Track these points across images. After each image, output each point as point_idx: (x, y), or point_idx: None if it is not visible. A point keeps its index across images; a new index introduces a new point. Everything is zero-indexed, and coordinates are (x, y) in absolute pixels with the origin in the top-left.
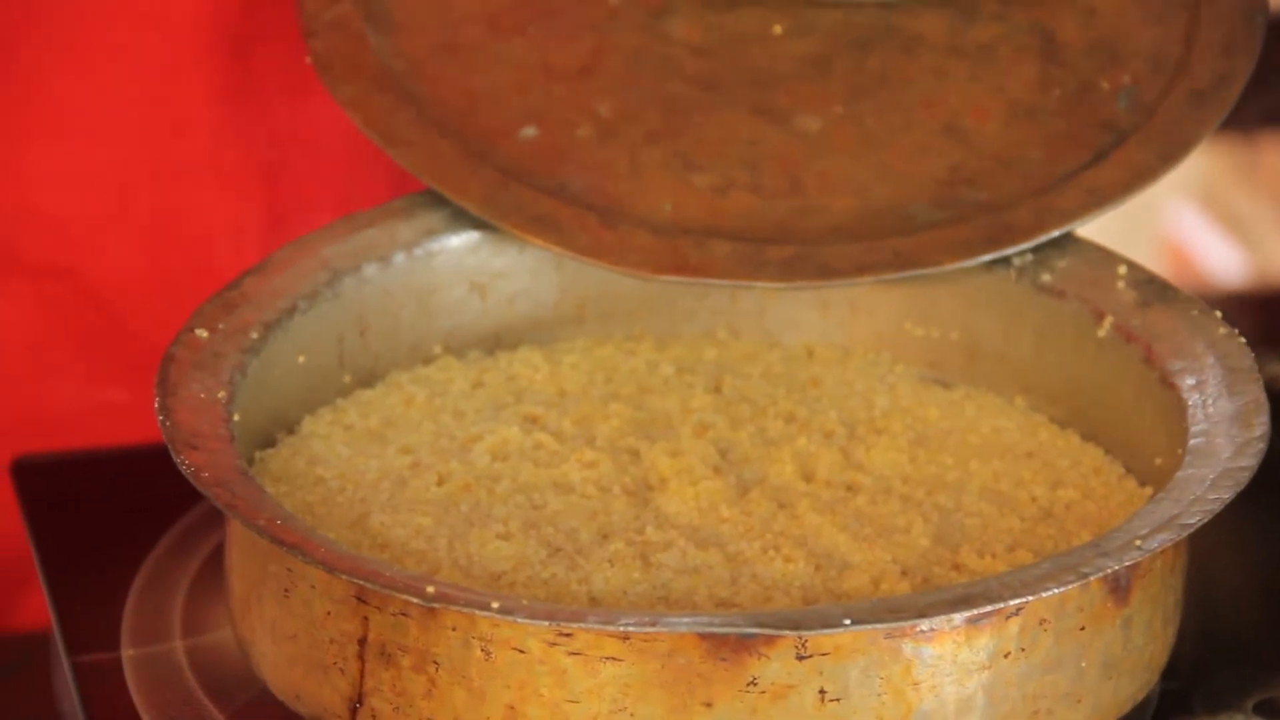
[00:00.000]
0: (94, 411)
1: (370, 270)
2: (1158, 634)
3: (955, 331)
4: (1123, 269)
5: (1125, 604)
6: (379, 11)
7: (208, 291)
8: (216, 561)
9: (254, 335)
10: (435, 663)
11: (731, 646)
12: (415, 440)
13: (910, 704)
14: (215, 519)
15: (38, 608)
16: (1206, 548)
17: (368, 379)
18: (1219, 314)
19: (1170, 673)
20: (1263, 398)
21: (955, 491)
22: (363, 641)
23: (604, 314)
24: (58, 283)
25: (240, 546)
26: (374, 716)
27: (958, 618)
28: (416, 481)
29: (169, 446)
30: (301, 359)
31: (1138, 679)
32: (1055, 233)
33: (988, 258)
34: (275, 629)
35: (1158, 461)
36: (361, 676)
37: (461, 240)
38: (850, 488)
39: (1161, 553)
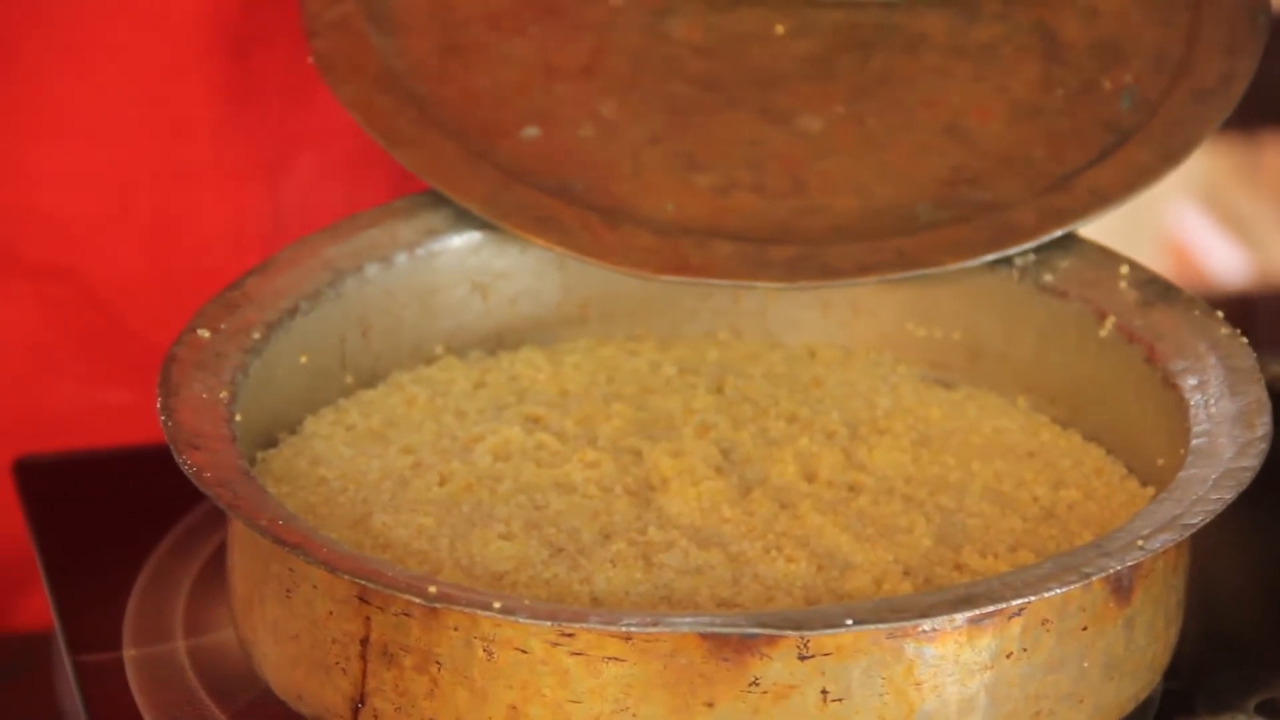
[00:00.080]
0: (95, 412)
1: (372, 270)
2: (1160, 634)
3: (957, 332)
4: (1125, 269)
5: (1127, 604)
6: (381, 11)
7: (209, 292)
8: (218, 562)
9: (256, 335)
10: (437, 663)
11: (733, 647)
12: (417, 440)
13: (912, 704)
14: (217, 519)
15: (39, 608)
16: (1208, 548)
17: (369, 379)
18: (1221, 314)
19: (1172, 673)
20: (1265, 398)
21: (957, 492)
22: (365, 641)
23: (606, 314)
24: (58, 283)
25: (242, 547)
26: (376, 716)
27: (960, 618)
28: (418, 481)
29: (171, 446)
30: (303, 359)
31: (1140, 679)
32: (1057, 233)
33: (990, 258)
34: (277, 629)
35: (1160, 462)
36: (363, 676)
37: (463, 240)
38: (852, 488)
39: (1164, 553)
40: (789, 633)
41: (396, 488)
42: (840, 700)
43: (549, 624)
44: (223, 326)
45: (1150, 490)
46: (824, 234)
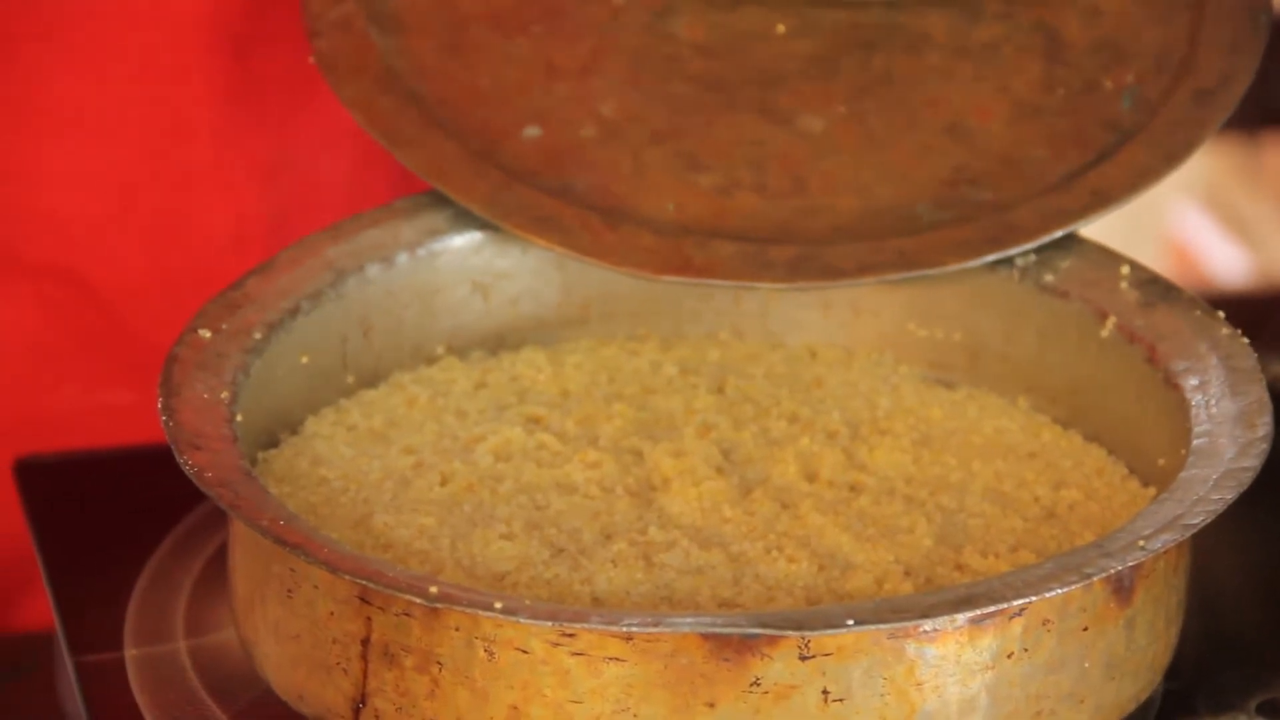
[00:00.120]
0: (96, 412)
1: (373, 270)
2: (1161, 634)
3: (958, 332)
4: (1126, 269)
5: (1128, 604)
6: (383, 11)
7: (210, 292)
8: (219, 562)
9: (257, 335)
10: (438, 663)
11: (734, 647)
12: (418, 440)
13: (913, 704)
14: (218, 519)
15: (41, 608)
16: (1209, 548)
17: (371, 379)
18: (1222, 314)
19: (1173, 673)
20: (1266, 398)
21: (958, 492)
22: (366, 642)
23: (607, 314)
24: (60, 283)
25: (243, 547)
26: (377, 717)
27: (961, 618)
28: (419, 482)
29: (172, 447)
30: (304, 359)
31: (1141, 679)
32: (1059, 233)
33: (991, 258)
34: (278, 629)
35: (1161, 462)
36: (364, 677)
37: (465, 240)
38: (853, 488)
39: (1164, 553)
40: (790, 633)
41: (398, 488)
42: (841, 700)
43: (550, 624)
44: (224, 326)
45: (1151, 490)
46: (825, 234)
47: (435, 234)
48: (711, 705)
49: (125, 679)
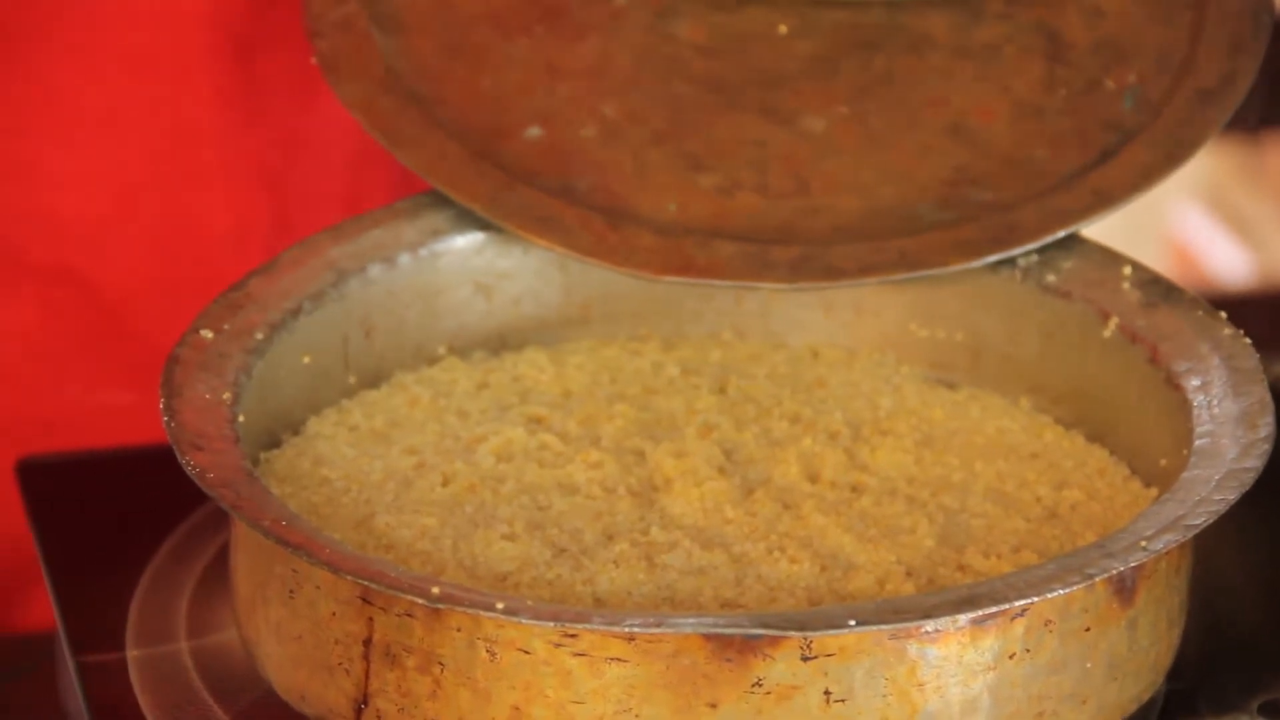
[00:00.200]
0: (98, 412)
1: (375, 271)
2: (1163, 635)
3: (960, 332)
4: (1128, 269)
5: (1130, 605)
6: (384, 12)
7: (212, 293)
8: (221, 562)
9: (259, 336)
10: (440, 663)
11: (736, 647)
12: (420, 441)
13: (915, 705)
14: (220, 520)
15: (42, 608)
16: (1211, 549)
17: (372, 380)
18: (1224, 315)
19: (1175, 674)
20: (1268, 398)
21: (960, 492)
22: (368, 642)
23: (609, 315)
24: (62, 284)
25: (245, 547)
26: (379, 717)
27: (963, 619)
28: (421, 482)
29: (174, 447)
30: (306, 360)
31: (1143, 680)
32: (1061, 233)
33: (993, 258)
34: (280, 630)
35: (1163, 462)
36: (366, 677)
37: (466, 241)
38: (855, 489)
39: (1167, 554)
40: (792, 633)
41: (399, 488)
42: (843, 701)
43: (552, 625)
44: (226, 327)
45: (1153, 491)
46: (827, 234)
47: (437, 234)
48: (713, 706)
49: (127, 679)
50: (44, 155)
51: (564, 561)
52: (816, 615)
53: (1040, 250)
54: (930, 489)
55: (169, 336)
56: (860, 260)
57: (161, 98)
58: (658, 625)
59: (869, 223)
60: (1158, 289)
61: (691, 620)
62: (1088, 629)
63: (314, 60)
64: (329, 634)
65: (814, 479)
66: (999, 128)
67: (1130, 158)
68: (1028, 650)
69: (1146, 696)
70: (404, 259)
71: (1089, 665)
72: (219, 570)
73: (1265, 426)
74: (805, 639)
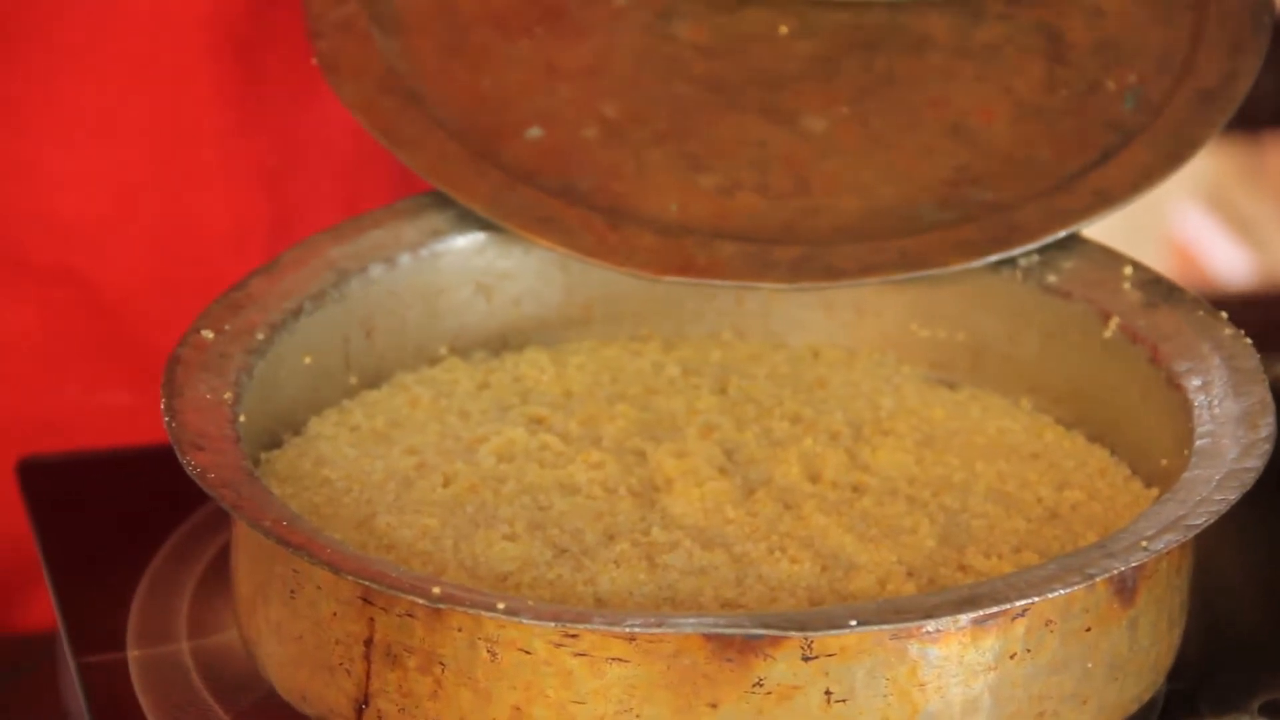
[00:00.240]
0: (99, 413)
1: (376, 271)
2: (1163, 635)
3: (961, 332)
4: (1129, 270)
5: (1131, 605)
6: (385, 12)
7: (212, 293)
8: (222, 562)
9: (260, 336)
10: (441, 664)
11: (737, 647)
12: (421, 441)
13: (916, 705)
14: (221, 520)
15: (43, 609)
16: (1212, 549)
17: (373, 380)
18: (1225, 315)
19: (1176, 674)
20: (1269, 398)
21: (961, 492)
22: (368, 642)
23: (610, 315)
24: (63, 285)
25: (246, 547)
26: (380, 717)
27: (964, 619)
28: (422, 482)
29: (175, 447)
30: (307, 360)
31: (1143, 680)
32: (1061, 233)
33: (994, 258)
34: (281, 630)
35: (1164, 462)
36: (367, 677)
37: (467, 241)
38: (856, 489)
39: (1167, 554)
40: (793, 633)
41: (400, 489)
42: (844, 701)
43: (553, 625)
44: (227, 327)
45: (1154, 491)
46: (828, 234)
47: (438, 235)
48: (714, 706)
49: (128, 680)
50: (44, 155)
51: (565, 562)
52: (817, 615)
53: (1041, 250)
54: (931, 489)
55: (169, 337)
56: (861, 260)
57: (161, 98)
58: (659, 625)
59: (870, 223)
60: (1158, 289)
61: (692, 620)
62: (1089, 629)
63: (314, 61)
64: (330, 634)
65: (815, 479)
66: (1000, 128)
67: (1131, 158)
68: (1029, 650)
69: (1147, 697)
70: (405, 259)
71: (1090, 665)
72: (220, 570)
73: (1266, 426)
74: (806, 639)
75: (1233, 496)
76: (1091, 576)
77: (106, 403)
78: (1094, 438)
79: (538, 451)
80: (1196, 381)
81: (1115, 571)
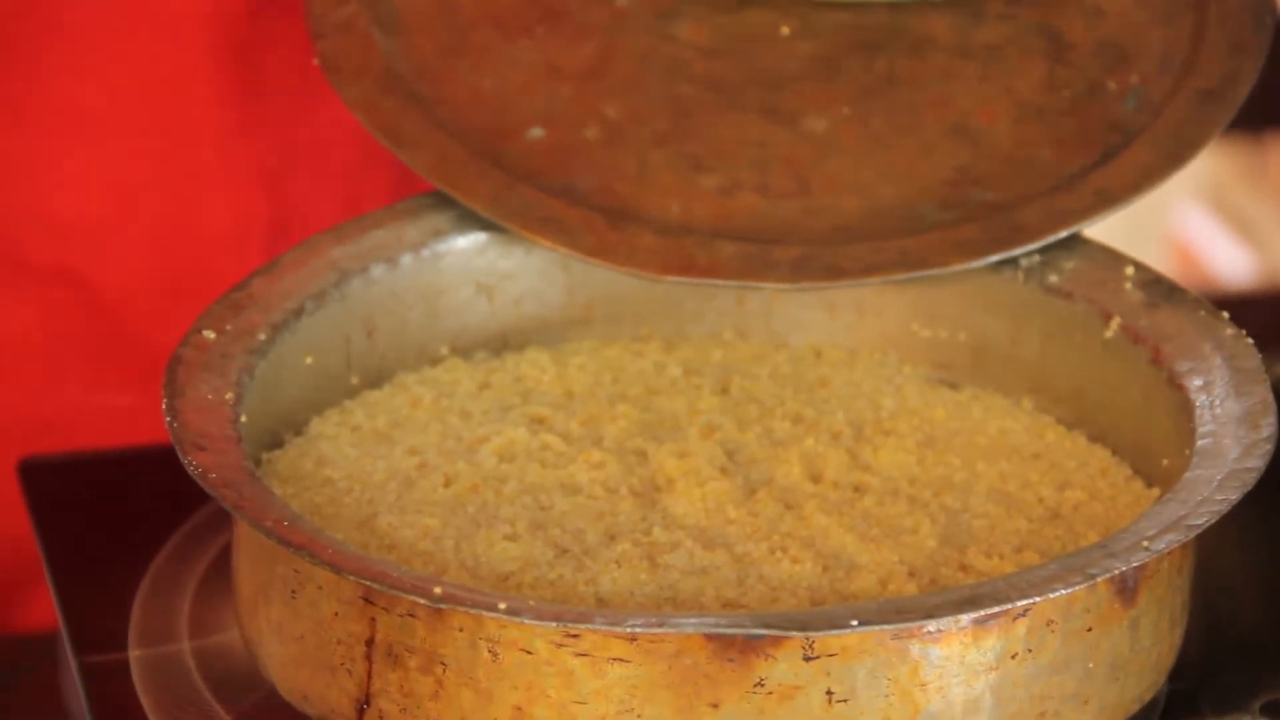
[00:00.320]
0: (100, 413)
1: (377, 271)
2: (1165, 635)
3: (962, 332)
4: (1130, 270)
5: (1132, 605)
6: (386, 13)
7: (212, 294)
8: (223, 562)
9: (261, 336)
10: (442, 664)
11: (739, 647)
12: (422, 441)
13: (917, 705)
14: (222, 520)
15: (45, 609)
16: (1213, 549)
17: (375, 380)
18: (1226, 315)
19: (1177, 674)
20: (1270, 399)
21: (962, 492)
22: (370, 642)
23: (611, 315)
24: (63, 285)
25: (247, 547)
26: (381, 717)
27: (965, 619)
28: (424, 482)
29: (176, 448)
30: (309, 360)
31: (1145, 680)
32: (1063, 233)
33: (995, 258)
34: (282, 630)
35: (1165, 462)
36: (369, 677)
37: (469, 241)
38: (857, 489)
39: (1169, 554)
40: (794, 633)
41: (402, 489)
42: (845, 701)
43: (554, 625)
44: (228, 328)
45: (1155, 491)
46: (829, 235)
47: (439, 235)
48: (715, 706)
49: (129, 680)
50: (44, 155)
51: (566, 562)
52: (819, 615)
53: (1042, 250)
54: (932, 489)
55: (169, 337)
56: (862, 260)
57: (162, 98)
58: (660, 625)
59: (871, 223)
60: (1160, 289)
61: (694, 620)
62: (1090, 629)
63: (316, 61)
64: (331, 634)
65: (816, 479)
66: (1001, 128)
67: (1132, 158)
68: (1030, 650)
69: (1148, 697)
70: (406, 259)
71: (1091, 665)
72: (221, 570)
73: (1267, 426)
74: (807, 639)
75: (1234, 496)
76: (1093, 576)
77: (107, 403)
78: (1095, 438)
79: (539, 451)
80: (1198, 381)
81: (1117, 571)
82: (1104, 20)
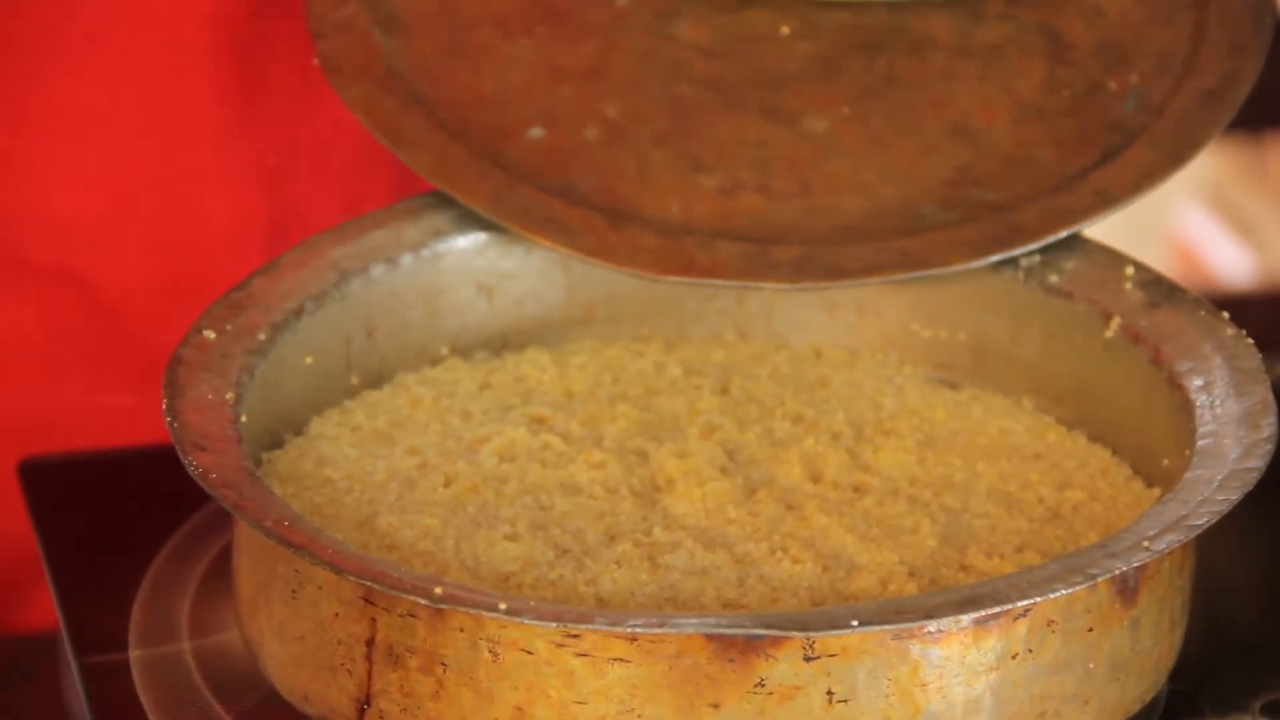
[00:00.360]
0: (100, 413)
1: (378, 271)
2: (1165, 635)
3: (963, 333)
4: (1130, 270)
5: (1133, 605)
6: (386, 13)
7: (212, 294)
8: (224, 562)
9: (261, 336)
10: (443, 664)
11: (739, 648)
12: (422, 441)
13: (918, 705)
14: (223, 520)
15: (45, 609)
16: (1214, 549)
17: (375, 380)
18: (1227, 315)
19: (1178, 674)
20: (1270, 399)
21: (963, 492)
22: (370, 643)
23: (611, 315)
24: (63, 286)
25: (248, 548)
26: (381, 718)
27: (965, 619)
28: (424, 482)
29: (177, 448)
30: (309, 360)
31: (1145, 680)
32: (1063, 233)
33: (995, 258)
34: (283, 630)
35: (1165, 463)
36: (369, 678)
37: (469, 241)
38: (858, 489)
39: (1169, 554)
40: (794, 634)
41: (402, 489)
42: (846, 701)
43: (554, 625)
44: (228, 328)
45: (1156, 491)
46: (829, 235)
47: (439, 235)
48: (716, 706)
49: (130, 680)
50: (44, 155)
51: (566, 562)
52: (819, 615)
53: (1043, 250)
54: (933, 489)
55: (169, 337)
56: (863, 260)
57: (162, 99)
58: (660, 626)
59: (871, 223)
60: (1160, 289)
61: (694, 620)
62: (1090, 629)
63: (316, 61)
64: (331, 634)
65: (816, 479)
66: (1001, 128)
67: (1132, 158)
68: (1030, 650)
69: (1149, 697)
70: (406, 259)
71: (1092, 665)
72: (221, 571)
73: (1268, 427)
74: (808, 639)
75: (1235, 497)
76: (1093, 576)
77: (107, 403)
78: (1095, 438)
79: (539, 452)
80: (1198, 381)
81: (1117, 571)
82: (1104, 20)
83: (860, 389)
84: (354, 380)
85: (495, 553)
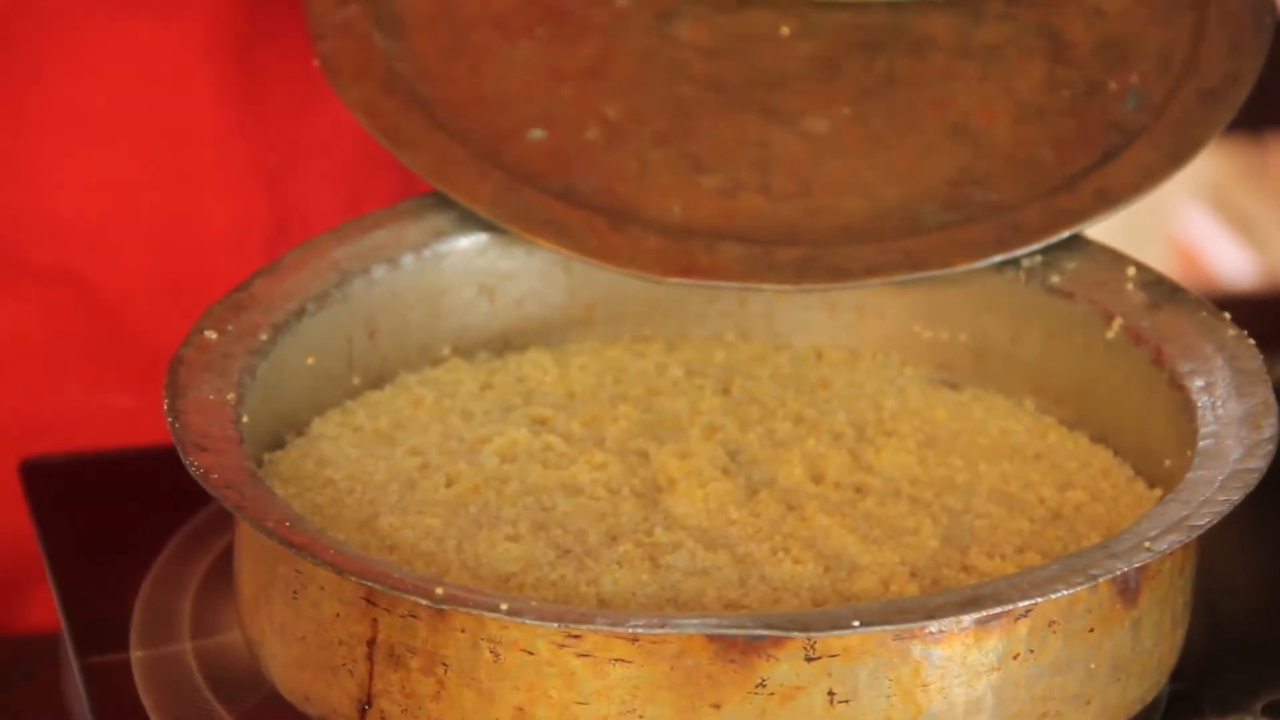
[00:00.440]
0: (101, 414)
1: (379, 272)
2: (1166, 635)
3: (964, 333)
4: (1132, 270)
5: (1134, 606)
6: (387, 14)
7: (212, 294)
8: (225, 563)
9: (263, 337)
10: (444, 664)
11: (740, 648)
12: (424, 442)
13: (919, 705)
14: (224, 520)
15: (46, 609)
16: (1215, 549)
17: (376, 380)
18: (1228, 315)
19: (1179, 674)
20: (1272, 399)
21: (964, 493)
22: (371, 643)
23: (613, 316)
24: (64, 286)
25: (249, 548)
26: (383, 718)
27: (966, 619)
28: (425, 483)
29: (178, 448)
30: (310, 360)
31: (1146, 680)
32: (1064, 234)
33: (997, 259)
34: (284, 630)
35: (1167, 463)
36: (370, 678)
37: (470, 242)
38: (859, 489)
39: (1170, 554)
40: (796, 634)
41: (403, 489)
42: (847, 702)
43: (556, 625)
44: (230, 328)
45: (1157, 492)
46: (831, 235)
47: (441, 236)
48: (717, 706)
49: (131, 680)
50: (44, 156)
51: (568, 562)
52: (820, 616)
53: (1044, 251)
54: (934, 490)
55: (169, 337)
56: (864, 261)
57: (162, 99)
58: (661, 626)
59: (873, 223)
60: (1161, 290)
61: (695, 621)
62: (1091, 630)
63: (316, 62)
64: (333, 635)
65: (818, 480)
66: (1002, 128)
67: (1133, 158)
68: (1031, 651)
69: (1150, 697)
70: (408, 260)
71: (1093, 666)
72: (223, 571)
73: (1269, 427)
74: (809, 640)
75: (1236, 497)
76: (1095, 577)
77: (107, 403)
78: (1097, 438)
79: (541, 452)
80: (1199, 382)
81: (1118, 572)
82: (1104, 20)
83: (861, 390)
84: (355, 381)
85: (497, 553)
